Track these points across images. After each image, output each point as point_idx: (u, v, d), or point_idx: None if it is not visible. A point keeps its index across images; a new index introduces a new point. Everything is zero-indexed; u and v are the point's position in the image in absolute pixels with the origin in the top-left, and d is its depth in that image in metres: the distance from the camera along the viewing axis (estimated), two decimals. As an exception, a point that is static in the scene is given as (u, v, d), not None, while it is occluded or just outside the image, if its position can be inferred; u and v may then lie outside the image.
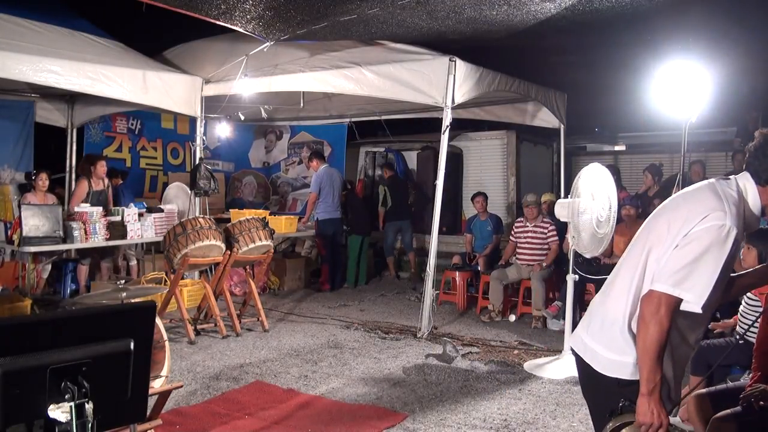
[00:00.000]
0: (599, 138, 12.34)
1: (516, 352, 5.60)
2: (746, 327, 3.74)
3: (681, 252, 1.91)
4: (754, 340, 3.32)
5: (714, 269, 1.87)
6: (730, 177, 2.08)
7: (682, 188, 2.08)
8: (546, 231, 6.91)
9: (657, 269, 1.96)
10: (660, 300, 1.90)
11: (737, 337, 3.86)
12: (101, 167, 7.25)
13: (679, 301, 1.89)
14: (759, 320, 3.25)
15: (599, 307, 2.16)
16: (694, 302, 1.88)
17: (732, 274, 2.21)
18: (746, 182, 2.01)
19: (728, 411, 2.73)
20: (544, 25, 5.47)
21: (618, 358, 2.03)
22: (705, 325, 2.07)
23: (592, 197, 4.79)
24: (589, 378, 2.15)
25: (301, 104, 9.37)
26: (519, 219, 7.37)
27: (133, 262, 7.98)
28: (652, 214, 2.14)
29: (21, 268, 7.13)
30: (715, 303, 2.03)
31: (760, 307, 3.65)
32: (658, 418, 1.88)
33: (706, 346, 3.85)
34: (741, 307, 3.89)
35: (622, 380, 2.02)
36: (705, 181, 2.08)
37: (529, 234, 7.01)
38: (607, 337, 2.07)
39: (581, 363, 2.15)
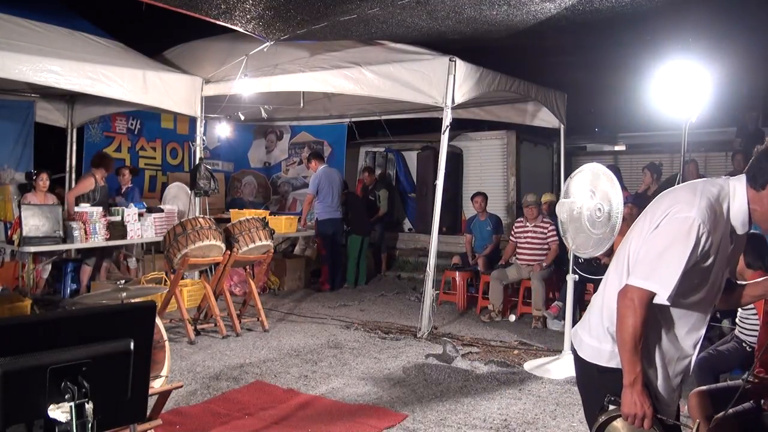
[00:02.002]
0: (599, 138, 12.35)
1: (516, 352, 5.60)
2: (747, 332, 3.74)
3: (648, 244, 1.94)
4: (754, 345, 3.34)
5: (679, 261, 1.86)
6: (723, 177, 2.07)
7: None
8: (546, 231, 6.91)
9: (633, 262, 1.99)
10: (633, 294, 1.91)
11: (738, 340, 3.85)
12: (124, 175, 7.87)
13: (652, 294, 1.89)
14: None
15: (594, 302, 2.21)
16: (661, 294, 1.88)
17: (741, 282, 2.25)
18: (737, 184, 1.98)
19: (730, 411, 2.74)
20: (544, 25, 5.47)
21: (596, 344, 2.08)
22: (701, 327, 2.05)
23: (585, 197, 4.79)
24: (578, 367, 2.20)
25: (301, 104, 9.38)
26: (519, 219, 7.37)
27: (134, 266, 7.91)
28: (641, 213, 2.16)
29: (21, 268, 7.13)
30: (709, 302, 2.04)
31: (756, 312, 3.66)
32: (641, 408, 1.90)
33: (713, 352, 3.84)
34: (739, 313, 3.88)
35: (600, 366, 2.06)
36: (695, 180, 2.09)
37: (529, 234, 7.01)
38: (590, 325, 2.14)
39: (575, 354, 2.20)
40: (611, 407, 1.99)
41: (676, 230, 1.89)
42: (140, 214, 7.04)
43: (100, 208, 6.77)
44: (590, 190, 4.77)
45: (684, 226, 1.87)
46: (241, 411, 4.11)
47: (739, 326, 3.85)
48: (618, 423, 1.98)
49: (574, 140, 10.81)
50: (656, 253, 1.90)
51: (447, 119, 6.03)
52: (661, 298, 1.89)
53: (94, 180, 7.27)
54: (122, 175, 8.21)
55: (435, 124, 6.78)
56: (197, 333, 5.91)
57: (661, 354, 2.04)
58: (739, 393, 2.51)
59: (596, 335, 2.09)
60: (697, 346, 2.07)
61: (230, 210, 8.91)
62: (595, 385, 2.09)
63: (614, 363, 2.01)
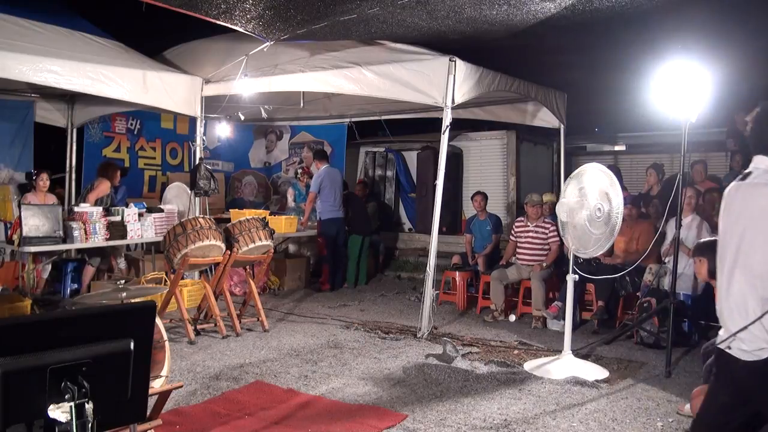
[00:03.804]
0: (599, 138, 12.34)
1: (516, 352, 5.60)
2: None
3: None
4: None
5: None
6: (758, 167, 2.30)
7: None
8: (547, 231, 6.89)
9: None
10: None
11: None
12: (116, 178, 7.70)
13: None
14: None
15: (743, 304, 2.34)
16: None
17: None
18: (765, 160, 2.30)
19: None
20: (544, 24, 5.47)
21: None
22: None
23: (585, 196, 4.78)
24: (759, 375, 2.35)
25: (301, 104, 9.37)
26: (519, 218, 7.34)
27: (122, 265, 7.78)
28: (726, 227, 2.37)
29: (21, 268, 7.12)
30: None
31: None
32: None
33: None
34: None
35: None
36: (753, 184, 2.30)
37: (530, 234, 7.00)
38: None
39: (752, 365, 2.29)
40: None
41: None
42: (140, 214, 7.03)
43: (100, 208, 6.77)
44: (590, 190, 4.77)
45: None
46: (241, 411, 4.11)
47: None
48: None
49: (574, 140, 10.80)
50: None
51: (447, 119, 6.03)
52: None
53: (110, 185, 7.39)
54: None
55: (435, 124, 6.77)
56: (197, 333, 5.92)
57: None
58: None
59: None
60: None
61: (230, 210, 8.90)
62: None
63: None
